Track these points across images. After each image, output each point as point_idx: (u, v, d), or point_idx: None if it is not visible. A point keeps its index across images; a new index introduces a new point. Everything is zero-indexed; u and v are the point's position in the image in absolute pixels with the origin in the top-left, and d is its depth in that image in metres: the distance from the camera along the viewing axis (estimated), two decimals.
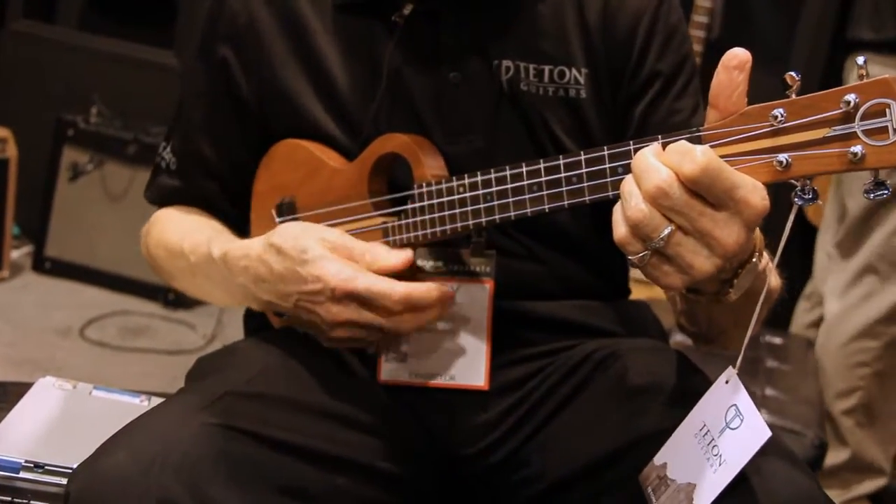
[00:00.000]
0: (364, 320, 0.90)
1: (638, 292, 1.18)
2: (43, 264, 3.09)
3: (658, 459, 0.83)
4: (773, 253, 0.81)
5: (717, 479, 0.76)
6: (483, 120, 0.99)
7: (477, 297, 0.99)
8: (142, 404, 1.18)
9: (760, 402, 1.86)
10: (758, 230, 0.79)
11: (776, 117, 0.71)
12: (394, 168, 0.98)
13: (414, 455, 0.99)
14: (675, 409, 0.88)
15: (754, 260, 0.79)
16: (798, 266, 2.69)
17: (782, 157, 0.70)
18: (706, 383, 0.94)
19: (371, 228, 0.97)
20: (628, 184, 0.73)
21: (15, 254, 3.13)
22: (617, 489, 0.89)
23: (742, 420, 0.76)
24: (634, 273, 1.11)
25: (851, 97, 0.68)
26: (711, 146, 0.72)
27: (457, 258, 0.98)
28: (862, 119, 0.68)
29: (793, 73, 0.71)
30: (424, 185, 0.93)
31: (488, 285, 0.99)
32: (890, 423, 2.22)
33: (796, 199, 0.72)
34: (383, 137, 0.97)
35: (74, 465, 0.83)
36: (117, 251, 3.02)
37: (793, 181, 0.72)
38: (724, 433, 0.77)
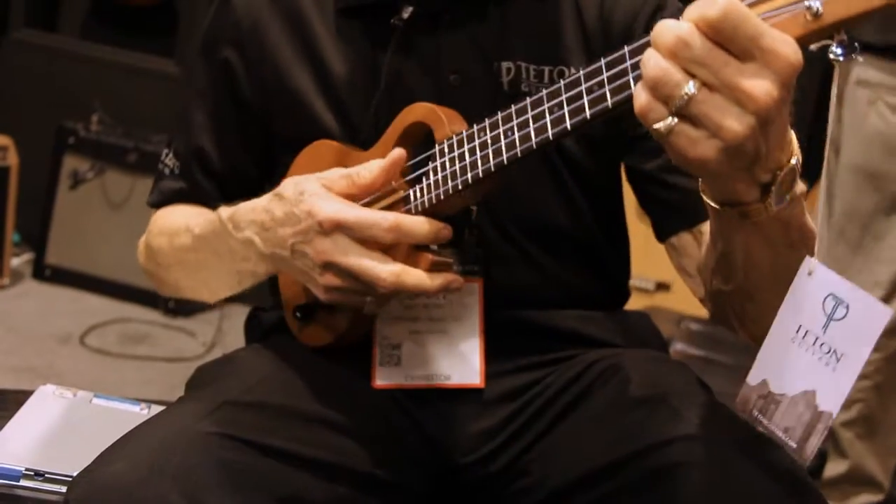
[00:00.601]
0: (350, 263, 0.88)
1: (637, 302, 1.19)
2: (43, 272, 3.10)
3: (753, 379, 0.76)
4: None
5: (841, 377, 0.69)
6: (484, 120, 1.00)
7: (467, 295, 0.99)
8: (142, 412, 1.18)
9: None
10: (794, 138, 0.74)
11: None
12: (420, 146, 0.95)
13: (413, 463, 0.99)
14: (677, 420, 0.88)
15: (793, 162, 0.73)
16: None
17: (812, 2, 0.64)
18: (707, 393, 0.94)
19: (394, 199, 0.94)
20: (647, 52, 0.68)
21: (15, 261, 3.13)
22: (618, 499, 0.89)
23: (848, 307, 0.69)
24: (634, 282, 1.11)
25: None
26: None
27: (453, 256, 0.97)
28: None
29: None
30: (445, 141, 0.90)
31: (478, 284, 0.99)
32: (889, 436, 2.22)
33: (837, 51, 0.65)
34: (406, 110, 0.95)
35: (75, 474, 0.83)
36: (117, 259, 3.03)
37: (826, 41, 0.66)
38: (829, 327, 0.70)
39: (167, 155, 1.13)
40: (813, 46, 0.67)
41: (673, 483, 0.84)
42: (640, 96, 0.68)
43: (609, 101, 0.74)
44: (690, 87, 0.65)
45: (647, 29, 1.00)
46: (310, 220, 0.88)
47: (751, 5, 0.67)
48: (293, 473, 0.88)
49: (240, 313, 1.22)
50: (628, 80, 0.73)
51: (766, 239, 0.79)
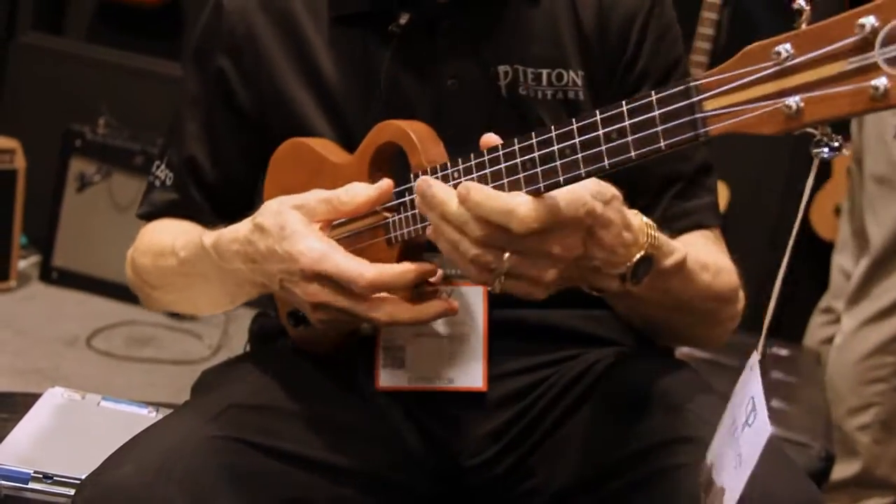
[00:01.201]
0: (339, 304, 0.87)
1: None
2: (50, 274, 3.11)
3: (709, 456, 0.76)
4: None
5: (737, 479, 0.69)
6: (483, 125, 1.00)
7: (471, 299, 0.99)
8: (150, 415, 1.19)
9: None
10: (642, 227, 0.81)
11: (780, 54, 0.61)
12: (398, 159, 0.93)
13: (418, 465, 1.00)
14: (680, 421, 0.88)
15: (639, 256, 0.81)
16: (805, 277, 2.69)
17: (792, 100, 0.61)
18: (711, 394, 0.95)
19: (373, 226, 0.92)
20: (460, 239, 0.77)
21: (22, 264, 3.14)
22: (622, 500, 0.89)
23: (756, 415, 0.69)
24: None
25: (868, 20, 0.57)
26: (710, 95, 0.65)
27: (448, 262, 0.97)
28: (883, 45, 0.57)
29: (801, 1, 0.62)
30: (420, 173, 0.86)
31: (482, 287, 0.99)
32: None
33: (823, 152, 0.62)
34: (379, 126, 0.93)
35: (83, 476, 0.84)
36: (124, 261, 3.03)
37: (810, 131, 0.62)
38: (744, 429, 0.70)
39: (158, 166, 1.11)
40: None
41: (676, 483, 0.84)
42: (470, 271, 0.78)
43: (582, 170, 0.74)
44: (505, 259, 0.76)
45: (643, 31, 1.02)
46: (292, 264, 0.87)
47: (722, 94, 0.65)
48: (299, 475, 0.89)
49: (245, 316, 1.22)
50: (601, 152, 0.73)
51: (652, 304, 0.89)
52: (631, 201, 1.01)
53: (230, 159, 1.09)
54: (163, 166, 1.11)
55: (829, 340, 2.42)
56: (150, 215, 1.12)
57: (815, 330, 2.52)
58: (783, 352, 2.28)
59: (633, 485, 0.88)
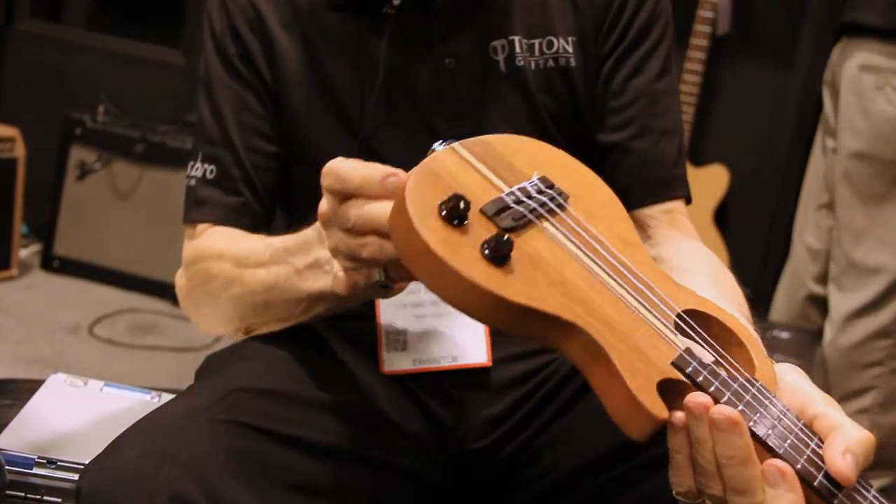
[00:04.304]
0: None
1: None
2: (51, 263, 3.11)
3: None
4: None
5: None
6: (483, 100, 1.01)
7: None
8: (152, 401, 1.19)
9: None
10: None
11: None
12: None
13: (424, 450, 1.00)
14: None
15: None
16: None
17: None
18: None
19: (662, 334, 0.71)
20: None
21: (23, 252, 3.14)
22: (628, 483, 0.90)
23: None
24: None
25: None
26: None
27: None
28: None
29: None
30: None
31: None
32: None
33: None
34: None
35: (86, 461, 0.84)
36: (125, 249, 3.04)
37: None
38: None
39: (193, 166, 1.06)
40: None
41: None
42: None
43: None
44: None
45: (622, 6, 1.02)
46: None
47: None
48: (304, 460, 0.89)
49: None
50: None
51: None
52: (600, 155, 1.02)
53: (271, 136, 1.05)
54: (198, 164, 1.05)
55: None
56: (203, 216, 1.04)
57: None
58: (783, 334, 2.29)
59: (636, 469, 0.89)
